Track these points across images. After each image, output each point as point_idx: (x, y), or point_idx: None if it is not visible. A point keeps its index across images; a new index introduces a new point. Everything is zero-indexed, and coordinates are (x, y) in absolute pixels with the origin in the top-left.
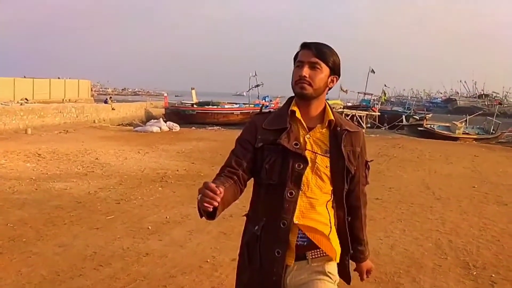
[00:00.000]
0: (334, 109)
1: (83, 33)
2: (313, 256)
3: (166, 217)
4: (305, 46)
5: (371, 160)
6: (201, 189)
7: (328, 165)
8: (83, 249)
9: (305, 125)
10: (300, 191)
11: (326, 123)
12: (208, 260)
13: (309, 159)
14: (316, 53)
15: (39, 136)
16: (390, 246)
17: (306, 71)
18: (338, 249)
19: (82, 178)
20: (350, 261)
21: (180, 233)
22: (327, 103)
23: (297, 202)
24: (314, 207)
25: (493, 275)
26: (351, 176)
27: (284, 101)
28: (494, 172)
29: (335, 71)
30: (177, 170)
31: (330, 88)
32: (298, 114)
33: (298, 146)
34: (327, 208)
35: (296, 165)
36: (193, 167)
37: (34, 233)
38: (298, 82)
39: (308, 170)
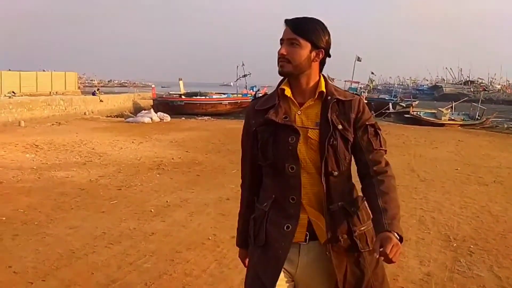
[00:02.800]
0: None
1: (66, 24)
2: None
3: (167, 201)
4: (285, 22)
5: (373, 123)
6: None
7: (319, 137)
8: (93, 230)
9: (295, 101)
10: (300, 166)
11: (317, 95)
12: (210, 238)
13: (301, 134)
14: (293, 29)
15: (33, 128)
16: None
17: (284, 49)
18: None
19: (82, 167)
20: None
21: (181, 215)
22: (323, 76)
23: (300, 177)
24: (317, 183)
25: (472, 246)
26: (352, 144)
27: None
28: (476, 155)
29: (318, 45)
30: (172, 158)
31: (322, 63)
32: (287, 92)
33: (287, 119)
34: (325, 183)
35: (289, 139)
36: (188, 155)
37: (44, 217)
38: (278, 61)
39: (302, 145)
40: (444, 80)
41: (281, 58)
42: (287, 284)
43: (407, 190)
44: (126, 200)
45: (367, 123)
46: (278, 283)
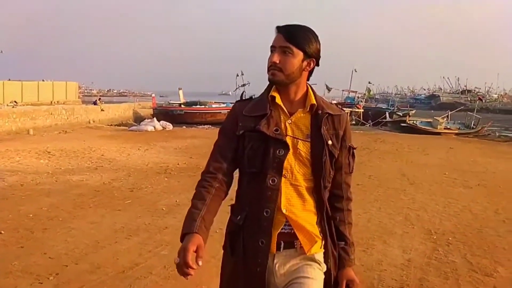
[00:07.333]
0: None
1: (66, 35)
2: (302, 245)
3: (176, 201)
4: (277, 29)
5: (355, 148)
6: (180, 255)
7: (309, 150)
8: (112, 224)
9: (286, 110)
10: (283, 178)
11: (308, 108)
12: (217, 231)
13: (290, 144)
14: (287, 37)
15: (41, 137)
16: (367, 219)
17: (276, 57)
18: (319, 237)
19: (94, 171)
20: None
21: None
22: (310, 86)
23: (280, 190)
24: (301, 194)
25: (450, 238)
26: (335, 160)
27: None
28: (465, 161)
29: (310, 54)
30: (178, 164)
31: (310, 72)
32: (278, 100)
33: (278, 132)
34: (313, 195)
35: (277, 152)
36: (192, 161)
37: (67, 214)
38: (269, 68)
39: (290, 156)
40: (441, 89)
41: (273, 66)
42: None
43: (397, 192)
44: (139, 200)
45: (349, 144)
46: None
